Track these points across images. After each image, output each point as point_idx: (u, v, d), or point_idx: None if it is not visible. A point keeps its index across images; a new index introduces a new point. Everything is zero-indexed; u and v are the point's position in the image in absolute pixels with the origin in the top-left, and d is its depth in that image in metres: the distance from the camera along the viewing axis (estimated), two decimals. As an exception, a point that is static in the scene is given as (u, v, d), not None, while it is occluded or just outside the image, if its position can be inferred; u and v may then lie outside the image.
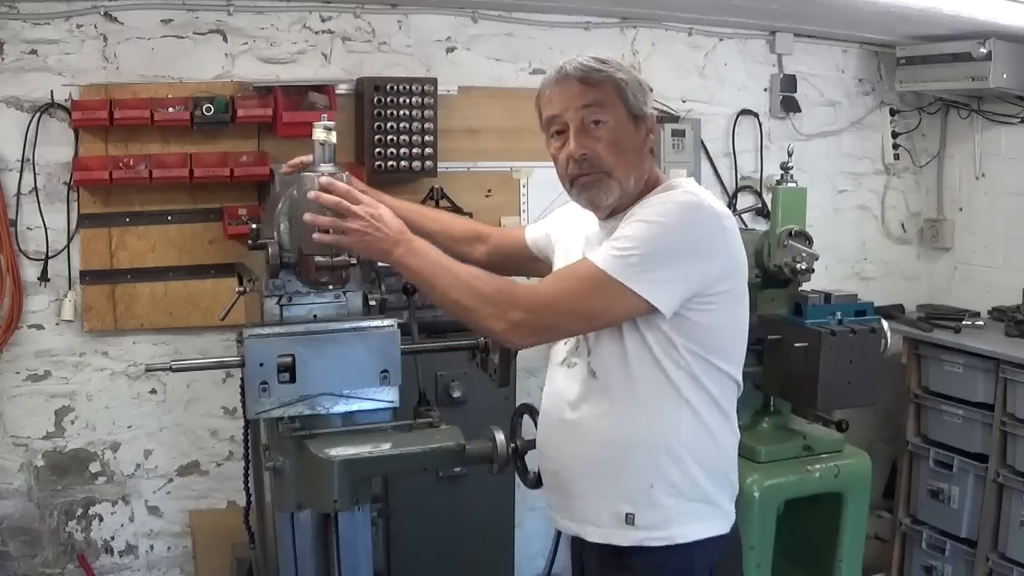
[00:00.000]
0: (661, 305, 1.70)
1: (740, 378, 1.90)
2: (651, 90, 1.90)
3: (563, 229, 2.07)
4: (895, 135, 4.18)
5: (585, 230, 1.96)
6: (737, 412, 2.82)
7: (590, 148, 1.80)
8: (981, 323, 3.76)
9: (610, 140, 1.80)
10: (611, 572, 1.88)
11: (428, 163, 3.21)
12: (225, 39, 3.14)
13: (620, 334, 1.79)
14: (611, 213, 1.86)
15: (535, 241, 2.18)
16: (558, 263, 2.04)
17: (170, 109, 2.95)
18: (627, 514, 1.81)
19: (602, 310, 1.74)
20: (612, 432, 1.82)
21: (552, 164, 1.90)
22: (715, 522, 1.85)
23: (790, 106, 3.93)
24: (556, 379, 1.95)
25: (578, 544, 1.95)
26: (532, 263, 2.20)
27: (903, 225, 4.33)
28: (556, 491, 1.94)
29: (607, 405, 1.83)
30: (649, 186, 1.86)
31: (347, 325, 2.14)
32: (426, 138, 3.20)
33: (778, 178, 2.96)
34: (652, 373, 1.78)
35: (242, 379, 2.15)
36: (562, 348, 1.94)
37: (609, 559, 1.86)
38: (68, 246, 3.04)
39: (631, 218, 1.76)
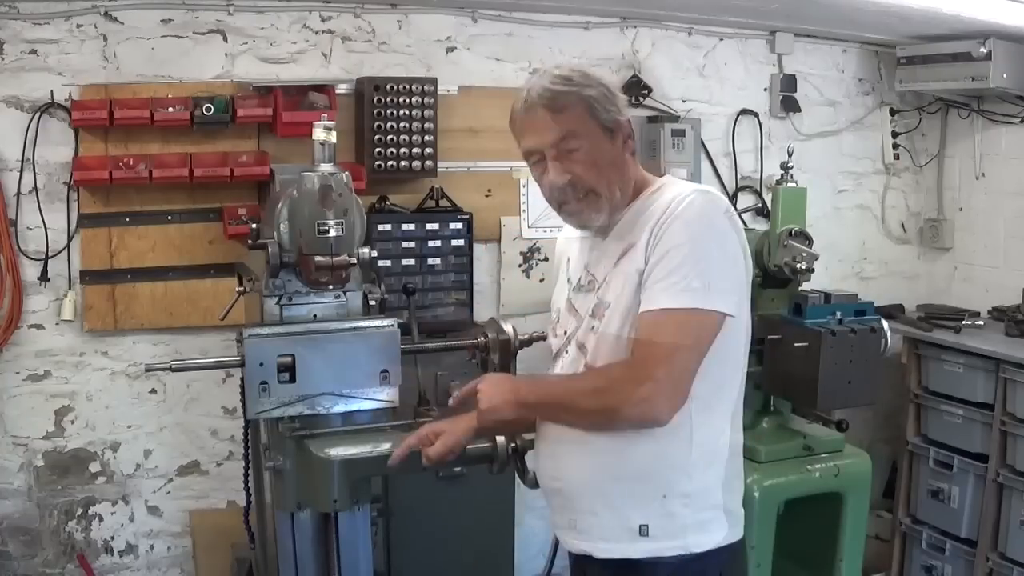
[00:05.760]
0: (736, 311, 1.70)
1: (744, 374, 1.85)
2: (619, 93, 1.80)
3: (564, 257, 1.99)
4: (895, 135, 4.18)
5: (583, 243, 1.90)
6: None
7: (571, 172, 1.75)
8: (981, 323, 3.76)
9: (588, 162, 1.75)
10: None
11: (428, 163, 3.22)
12: (225, 39, 3.14)
13: (625, 342, 1.72)
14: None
15: None
16: (573, 271, 1.94)
17: (170, 109, 2.95)
18: (640, 525, 1.74)
19: (701, 339, 1.68)
20: (621, 444, 1.73)
21: None
22: (732, 529, 1.79)
23: (790, 106, 3.93)
24: None
25: (582, 562, 1.85)
26: None
27: (903, 225, 4.33)
28: (561, 509, 1.85)
29: None
30: (637, 188, 1.82)
31: (347, 325, 2.14)
32: (426, 138, 3.20)
33: (778, 178, 2.96)
34: None
35: (242, 379, 2.16)
36: (563, 360, 1.86)
37: (618, 574, 1.78)
38: (68, 246, 3.04)
39: (657, 245, 1.69)
